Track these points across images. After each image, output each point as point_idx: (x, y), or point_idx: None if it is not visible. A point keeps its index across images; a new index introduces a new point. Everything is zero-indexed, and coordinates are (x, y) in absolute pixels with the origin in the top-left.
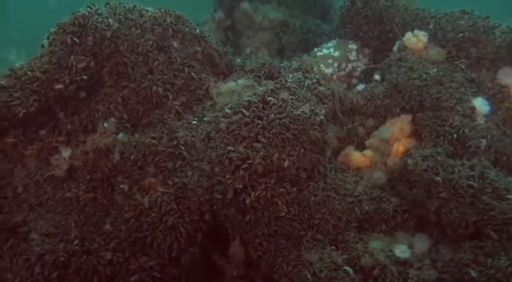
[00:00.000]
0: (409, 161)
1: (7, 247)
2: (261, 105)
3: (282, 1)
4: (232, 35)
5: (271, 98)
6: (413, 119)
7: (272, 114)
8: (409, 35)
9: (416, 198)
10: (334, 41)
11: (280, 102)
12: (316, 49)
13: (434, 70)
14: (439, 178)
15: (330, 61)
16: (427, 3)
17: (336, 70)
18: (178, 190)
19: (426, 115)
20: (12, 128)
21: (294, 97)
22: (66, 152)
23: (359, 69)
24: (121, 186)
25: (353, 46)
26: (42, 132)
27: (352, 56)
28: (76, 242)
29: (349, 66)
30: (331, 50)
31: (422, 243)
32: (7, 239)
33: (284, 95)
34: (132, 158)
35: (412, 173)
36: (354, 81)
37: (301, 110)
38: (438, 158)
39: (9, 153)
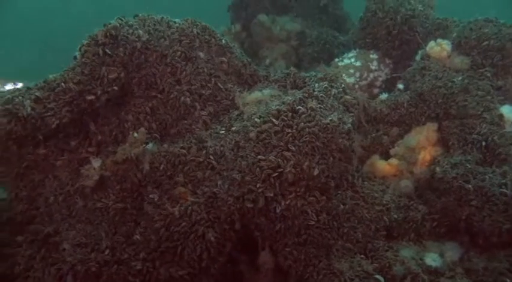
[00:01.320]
0: (438, 169)
1: (39, 257)
2: (290, 114)
3: (299, 12)
4: (249, 47)
5: (300, 107)
6: (439, 127)
7: (302, 123)
8: (432, 44)
9: (446, 207)
10: (355, 51)
11: (309, 111)
12: (337, 59)
13: (460, 78)
14: (469, 186)
15: (351, 71)
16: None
17: (358, 80)
18: (208, 199)
19: (453, 123)
20: (45, 138)
21: (322, 106)
22: (96, 163)
23: (380, 79)
24: (151, 196)
25: (374, 56)
26: (73, 143)
27: (373, 65)
28: (107, 252)
29: (371, 75)
30: (353, 60)
31: (453, 252)
32: (39, 249)
33: (312, 103)
34: (161, 167)
35: (441, 181)
36: (376, 90)
37: (330, 118)
38: (468, 165)
39: (40, 164)
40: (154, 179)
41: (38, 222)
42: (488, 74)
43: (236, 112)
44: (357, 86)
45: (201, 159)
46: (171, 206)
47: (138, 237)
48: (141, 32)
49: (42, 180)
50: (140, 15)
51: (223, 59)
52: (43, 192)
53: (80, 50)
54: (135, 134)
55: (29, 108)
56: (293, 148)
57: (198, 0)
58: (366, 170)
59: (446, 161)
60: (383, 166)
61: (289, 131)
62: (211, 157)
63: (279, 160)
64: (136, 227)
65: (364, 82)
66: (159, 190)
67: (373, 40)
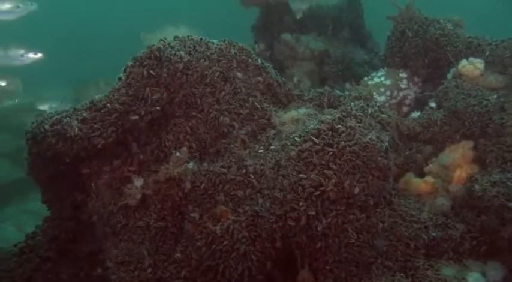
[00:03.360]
0: (477, 187)
1: (83, 275)
2: (330, 133)
3: (322, 31)
4: (274, 66)
5: (340, 126)
6: (475, 145)
7: (342, 142)
8: (464, 62)
9: (486, 225)
10: (384, 70)
11: (348, 130)
12: (366, 78)
13: (495, 96)
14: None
15: (382, 89)
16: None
17: (388, 98)
18: (249, 218)
19: (489, 141)
20: (88, 158)
21: (360, 125)
22: (138, 182)
23: (409, 97)
24: (192, 214)
25: (403, 74)
26: (116, 162)
27: (403, 84)
28: (149, 270)
29: (400, 94)
30: (382, 78)
31: (496, 272)
32: (83, 267)
33: (351, 122)
34: (202, 186)
35: (481, 200)
36: (405, 108)
37: (369, 137)
38: (509, 183)
39: (83, 183)
40: (195, 198)
41: (81, 240)
42: None
43: (273, 131)
44: (387, 105)
45: (241, 178)
46: (212, 225)
47: (179, 255)
48: (182, 53)
49: (85, 199)
50: (180, 36)
51: (260, 78)
52: (86, 211)
53: (124, 71)
54: (178, 154)
55: (76, 129)
56: (334, 167)
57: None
58: (401, 187)
59: (485, 179)
60: (418, 184)
61: (330, 149)
62: (252, 176)
63: (321, 178)
64: (177, 246)
65: (394, 100)
66: (200, 209)
67: (402, 59)
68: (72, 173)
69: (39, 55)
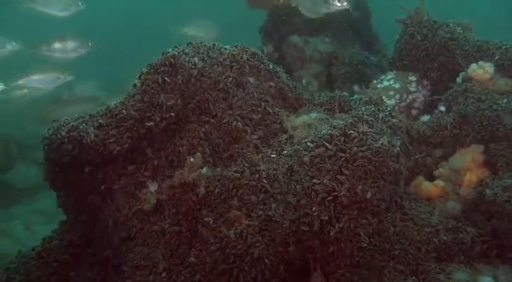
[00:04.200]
0: (488, 192)
1: (99, 279)
2: (342, 138)
3: (330, 33)
4: (282, 68)
5: (352, 131)
6: (485, 149)
7: (354, 147)
8: (474, 66)
9: (497, 229)
10: (392, 73)
11: (360, 135)
12: (375, 81)
13: (505, 101)
14: None
15: (391, 93)
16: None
17: (398, 101)
18: (262, 222)
19: (500, 145)
20: (104, 164)
21: (372, 130)
22: (153, 187)
23: (418, 100)
24: (206, 219)
25: (412, 78)
26: (130, 167)
27: (412, 87)
28: (164, 274)
29: (410, 97)
30: (392, 82)
31: (507, 275)
32: (99, 272)
33: (363, 128)
34: (216, 191)
35: (492, 204)
36: (414, 111)
37: (381, 142)
38: None
39: (98, 188)
40: (209, 203)
41: (97, 245)
42: None
43: (285, 136)
44: (396, 108)
45: (255, 183)
46: (226, 229)
47: (193, 259)
48: (196, 59)
49: (101, 204)
50: (194, 42)
51: (271, 83)
52: (102, 215)
53: (139, 77)
54: (192, 159)
55: (92, 135)
56: (347, 172)
57: (229, 21)
58: (411, 191)
59: (496, 183)
60: (429, 187)
61: (343, 155)
62: (265, 181)
63: (334, 184)
64: (191, 250)
65: (403, 103)
66: (213, 213)
67: (411, 62)
68: (87, 178)
69: (90, 45)
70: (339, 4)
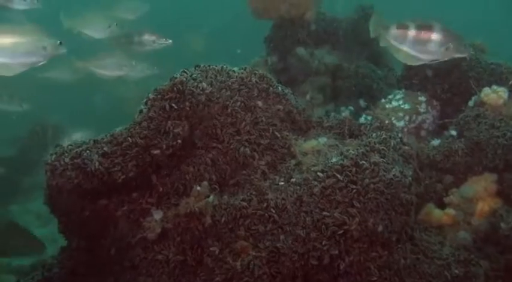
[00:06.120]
0: (503, 226)
1: None
2: (354, 169)
3: (337, 45)
4: (286, 79)
5: (364, 162)
6: (499, 178)
7: (366, 179)
8: (487, 90)
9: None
10: (401, 92)
11: (372, 166)
12: (383, 100)
13: None
14: None
15: (400, 114)
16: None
17: (407, 123)
18: (270, 254)
19: None
20: (108, 192)
21: (384, 160)
22: (158, 215)
23: (427, 121)
24: (211, 248)
25: (422, 98)
26: (135, 194)
27: (422, 108)
28: None
29: (419, 118)
30: (400, 102)
31: None
32: None
33: (375, 158)
34: (223, 220)
35: (507, 238)
36: (423, 132)
37: (393, 173)
38: None
39: (101, 215)
40: (215, 232)
41: (99, 273)
42: None
43: (293, 161)
44: (405, 130)
45: (262, 212)
46: (232, 260)
47: None
48: (204, 84)
49: (103, 230)
50: (201, 65)
51: (280, 106)
52: (104, 243)
53: (145, 103)
54: (198, 188)
55: (96, 163)
56: (358, 205)
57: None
58: (421, 218)
59: (511, 216)
60: (439, 216)
61: (354, 187)
62: (273, 210)
63: (345, 217)
64: (196, 280)
65: (412, 125)
66: (220, 243)
67: (420, 81)
68: (90, 205)
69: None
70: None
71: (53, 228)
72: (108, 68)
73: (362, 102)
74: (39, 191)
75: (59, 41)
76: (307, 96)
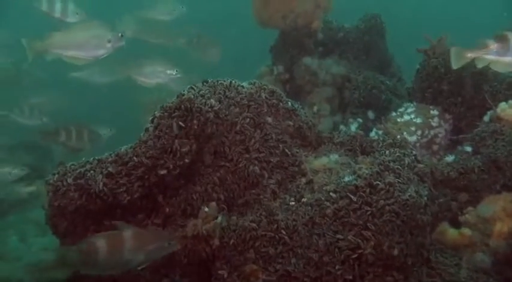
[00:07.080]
0: None
1: None
2: (368, 189)
3: (344, 55)
4: (292, 89)
5: (378, 182)
6: None
7: (381, 201)
8: (503, 105)
9: None
10: (413, 105)
11: (387, 187)
12: (394, 114)
13: None
14: None
15: (413, 129)
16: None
17: (420, 138)
18: (280, 278)
19: None
20: (112, 213)
21: (399, 180)
22: None
23: (440, 135)
24: (219, 272)
25: (435, 112)
26: (140, 215)
27: (434, 122)
28: None
29: (431, 132)
30: (412, 115)
31: None
32: None
33: (390, 178)
34: (231, 242)
35: None
36: (435, 147)
37: (409, 194)
38: None
39: None
40: (223, 255)
41: None
42: None
43: (304, 180)
44: (418, 145)
45: (272, 234)
46: None
47: None
48: (213, 101)
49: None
50: (209, 80)
51: (290, 122)
52: None
53: (152, 121)
54: (206, 209)
55: (101, 184)
56: (373, 227)
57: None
58: (435, 237)
59: None
60: (455, 236)
61: (368, 209)
62: (283, 232)
63: (359, 240)
64: None
65: (424, 139)
66: (228, 266)
67: (433, 94)
68: (93, 225)
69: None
70: None
71: (53, 237)
72: (149, 76)
73: (371, 114)
74: (37, 198)
75: (120, 34)
76: (315, 108)
